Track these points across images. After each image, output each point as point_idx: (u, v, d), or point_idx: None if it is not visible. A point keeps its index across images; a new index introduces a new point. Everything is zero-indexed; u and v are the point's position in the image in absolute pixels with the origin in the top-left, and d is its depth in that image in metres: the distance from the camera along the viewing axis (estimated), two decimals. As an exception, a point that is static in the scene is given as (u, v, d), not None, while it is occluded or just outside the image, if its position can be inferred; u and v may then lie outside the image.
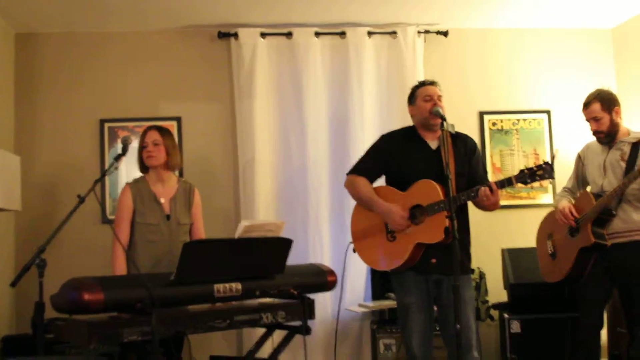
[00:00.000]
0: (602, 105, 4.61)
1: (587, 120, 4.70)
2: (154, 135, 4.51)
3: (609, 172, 4.64)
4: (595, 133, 4.70)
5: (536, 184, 6.34)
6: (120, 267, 4.35)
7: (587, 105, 4.69)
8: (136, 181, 4.59)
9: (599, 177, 4.69)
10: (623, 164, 4.57)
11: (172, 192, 4.57)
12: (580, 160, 4.93)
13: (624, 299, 4.64)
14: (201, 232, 4.66)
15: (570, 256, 4.67)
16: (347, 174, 4.44)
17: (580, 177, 4.93)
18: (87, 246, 5.80)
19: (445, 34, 6.44)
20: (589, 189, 4.88)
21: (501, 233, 6.21)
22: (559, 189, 5.13)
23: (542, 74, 6.68)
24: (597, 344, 4.68)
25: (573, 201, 4.84)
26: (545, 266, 4.97)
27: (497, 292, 5.88)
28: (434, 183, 4.04)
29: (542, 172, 3.92)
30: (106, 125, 6.10)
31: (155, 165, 4.52)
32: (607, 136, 4.65)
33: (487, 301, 5.82)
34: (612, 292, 4.75)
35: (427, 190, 4.05)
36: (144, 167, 4.58)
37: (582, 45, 6.74)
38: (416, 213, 4.10)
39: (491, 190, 3.92)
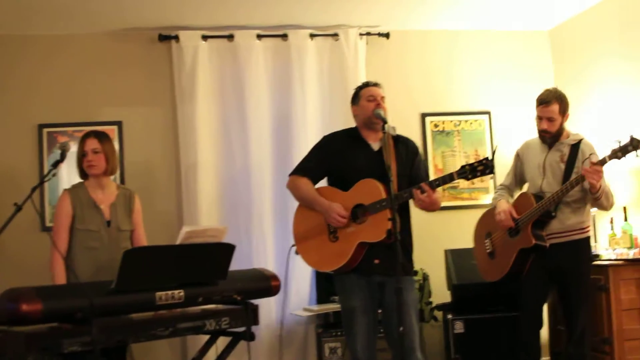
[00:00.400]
0: (560, 107, 4.65)
1: (540, 117, 4.70)
2: (94, 143, 4.43)
3: (548, 172, 4.70)
4: (542, 132, 4.72)
5: (478, 185, 6.47)
6: (60, 276, 4.27)
7: (546, 103, 4.65)
8: (75, 187, 4.51)
9: (538, 177, 4.75)
10: (562, 166, 4.64)
11: (111, 198, 4.52)
12: (519, 158, 4.98)
13: (562, 297, 4.72)
14: (142, 239, 4.62)
15: (510, 256, 4.72)
16: (290, 175, 4.44)
17: (518, 175, 4.98)
18: (26, 255, 5.68)
19: (386, 35, 6.48)
20: (525, 187, 4.95)
21: (444, 234, 6.26)
22: (498, 188, 5.19)
23: (482, 75, 6.76)
24: (537, 342, 4.75)
25: (511, 200, 4.90)
26: (483, 265, 5.03)
27: (440, 293, 5.92)
28: (376, 182, 4.05)
29: (482, 167, 3.97)
30: (45, 130, 5.99)
31: (96, 174, 4.45)
32: (553, 137, 4.71)
33: (430, 302, 5.86)
34: (550, 291, 4.84)
35: (369, 190, 4.07)
36: (83, 174, 4.51)
37: (520, 46, 6.85)
38: (358, 212, 4.11)
39: (422, 191, 3.95)
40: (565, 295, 4.68)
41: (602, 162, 4.32)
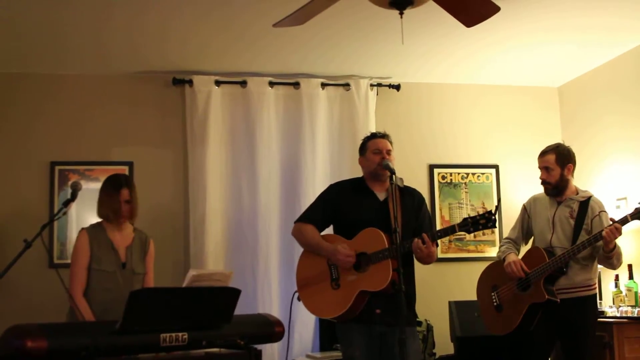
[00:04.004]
0: (556, 157, 4.71)
1: (539, 168, 4.79)
2: (126, 195, 4.50)
3: (557, 227, 4.71)
4: (543, 182, 4.78)
5: (484, 237, 6.49)
6: (87, 310, 4.27)
7: (543, 154, 4.79)
8: (93, 227, 4.53)
9: (547, 231, 4.75)
10: (572, 222, 4.66)
11: (128, 240, 4.54)
12: (525, 211, 4.98)
13: (566, 353, 4.69)
14: (151, 283, 4.62)
15: (520, 310, 4.68)
16: (295, 222, 4.46)
17: (525, 229, 4.97)
18: (33, 291, 5.70)
19: (397, 87, 6.56)
20: (531, 241, 4.95)
21: (449, 286, 6.27)
22: (503, 241, 5.19)
23: (490, 129, 6.82)
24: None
25: (517, 253, 4.89)
26: (490, 318, 4.96)
27: (444, 345, 5.90)
28: (379, 231, 4.07)
29: (484, 221, 4.01)
30: (57, 167, 6.05)
31: (123, 221, 4.51)
32: (554, 189, 4.74)
33: (434, 353, 5.83)
34: (554, 345, 4.81)
35: (373, 239, 4.09)
36: (104, 215, 4.53)
37: (530, 102, 6.92)
38: (361, 261, 4.12)
39: (423, 242, 3.98)
40: (570, 351, 4.64)
41: (624, 221, 4.36)
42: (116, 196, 4.51)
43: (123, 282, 4.41)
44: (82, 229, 4.54)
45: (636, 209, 4.34)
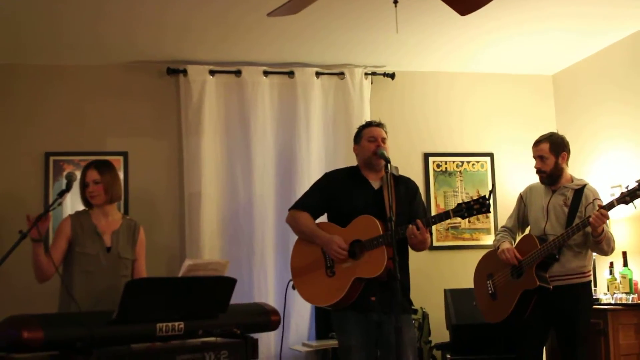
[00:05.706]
0: (550, 146, 4.72)
1: (534, 157, 4.81)
2: (93, 175, 4.46)
3: (551, 215, 4.72)
4: (538, 172, 4.80)
5: (479, 225, 6.50)
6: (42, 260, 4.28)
7: (537, 143, 4.80)
8: (78, 213, 4.54)
9: (542, 219, 4.77)
10: (566, 209, 4.66)
11: (115, 225, 4.53)
12: (522, 200, 5.00)
13: (561, 340, 4.71)
14: (142, 270, 4.61)
15: (513, 297, 4.71)
16: (289, 209, 4.47)
17: (521, 218, 4.99)
18: (28, 282, 5.67)
19: (392, 76, 6.56)
20: (528, 229, 4.97)
21: (444, 273, 6.29)
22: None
23: (486, 117, 6.82)
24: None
25: (513, 242, 4.92)
26: (485, 306, 5.00)
27: (439, 332, 5.92)
28: (374, 218, 4.08)
29: (479, 206, 4.02)
30: (52, 158, 6.05)
31: (98, 204, 4.48)
32: (549, 177, 4.75)
33: (430, 341, 5.86)
34: (549, 333, 4.83)
35: (367, 226, 4.09)
36: (87, 203, 4.55)
37: (524, 90, 6.92)
38: (356, 249, 4.13)
39: (417, 228, 3.99)
40: (564, 338, 4.67)
41: (610, 206, 4.36)
42: (83, 177, 4.51)
43: (107, 265, 4.38)
44: (68, 215, 4.55)
45: (622, 193, 4.35)
